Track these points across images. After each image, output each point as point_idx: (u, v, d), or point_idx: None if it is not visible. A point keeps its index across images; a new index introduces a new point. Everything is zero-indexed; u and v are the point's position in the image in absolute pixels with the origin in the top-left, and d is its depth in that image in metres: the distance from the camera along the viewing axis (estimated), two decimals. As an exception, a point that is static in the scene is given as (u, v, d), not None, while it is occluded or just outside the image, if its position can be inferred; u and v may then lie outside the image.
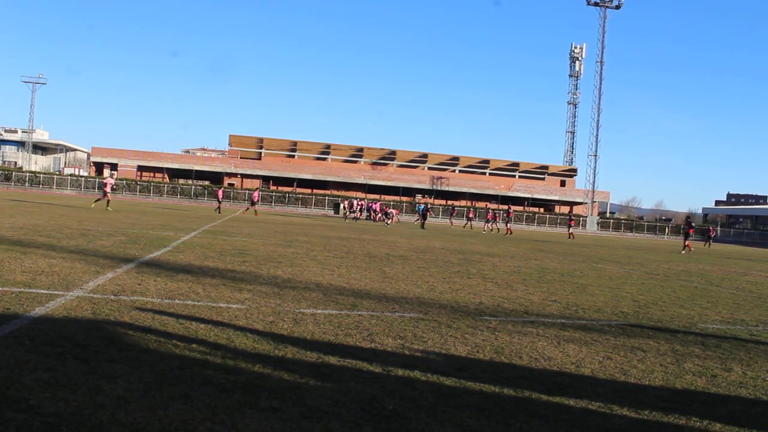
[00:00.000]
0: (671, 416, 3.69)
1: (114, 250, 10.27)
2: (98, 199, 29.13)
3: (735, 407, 4.03)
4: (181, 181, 78.77)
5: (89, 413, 3.00)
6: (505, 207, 51.58)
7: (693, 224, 33.89)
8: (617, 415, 3.64)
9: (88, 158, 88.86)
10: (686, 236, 30.79)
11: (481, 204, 79.07)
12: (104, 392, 3.31)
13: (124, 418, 2.98)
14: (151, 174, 79.56)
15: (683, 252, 29.34)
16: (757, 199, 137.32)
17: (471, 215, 47.72)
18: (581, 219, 78.98)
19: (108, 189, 28.39)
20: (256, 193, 39.22)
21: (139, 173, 78.28)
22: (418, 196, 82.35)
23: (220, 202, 40.46)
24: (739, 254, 32.64)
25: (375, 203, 51.36)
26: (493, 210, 49.78)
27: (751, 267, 21.54)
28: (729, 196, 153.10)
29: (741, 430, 3.57)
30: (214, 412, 3.16)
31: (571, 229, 42.68)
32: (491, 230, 42.06)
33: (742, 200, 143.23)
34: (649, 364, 5.02)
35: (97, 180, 65.39)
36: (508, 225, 39.82)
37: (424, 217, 40.41)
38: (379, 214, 46.67)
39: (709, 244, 45.18)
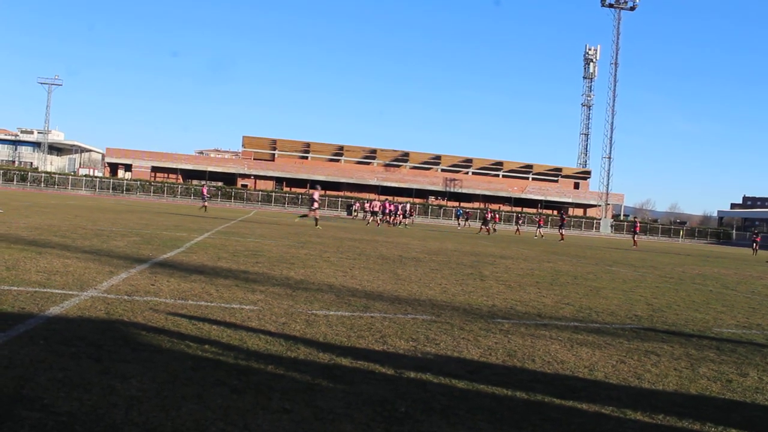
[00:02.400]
0: (685, 421, 3.65)
1: (128, 251, 10.35)
2: (304, 215, 27.87)
3: (751, 413, 3.98)
4: (195, 181, 79.26)
5: (103, 413, 3.02)
6: (556, 213, 50.60)
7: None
8: (630, 420, 3.61)
9: (103, 159, 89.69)
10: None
11: (494, 206, 78.84)
12: (117, 392, 3.33)
13: (137, 417, 3.00)
14: (165, 175, 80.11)
15: None
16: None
17: (520, 221, 46.34)
18: (595, 221, 78.56)
19: (315, 205, 26.48)
20: (377, 203, 38.11)
21: (153, 174, 78.85)
22: (431, 198, 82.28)
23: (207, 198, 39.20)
24: (756, 258, 32.21)
25: (390, 204, 43.42)
26: (508, 213, 49.43)
27: (767, 271, 21.28)
28: (745, 198, 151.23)
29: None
30: (226, 413, 3.17)
31: (636, 236, 40.11)
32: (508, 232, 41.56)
33: (759, 203, 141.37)
34: (663, 368, 4.97)
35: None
36: (561, 230, 37.75)
37: (485, 222, 39.18)
38: (396, 216, 40.63)
39: (756, 251, 42.58)
